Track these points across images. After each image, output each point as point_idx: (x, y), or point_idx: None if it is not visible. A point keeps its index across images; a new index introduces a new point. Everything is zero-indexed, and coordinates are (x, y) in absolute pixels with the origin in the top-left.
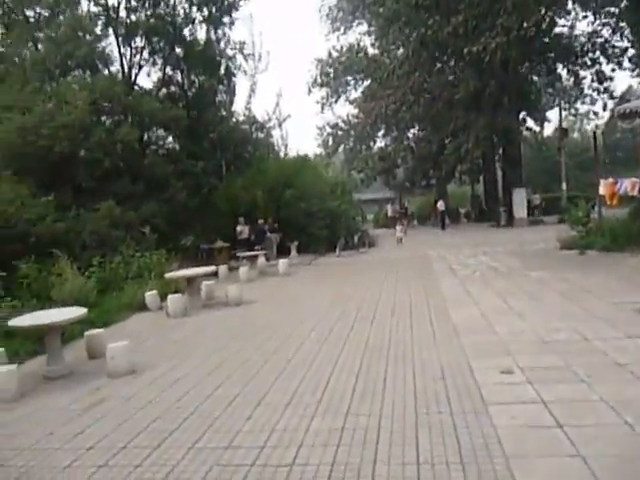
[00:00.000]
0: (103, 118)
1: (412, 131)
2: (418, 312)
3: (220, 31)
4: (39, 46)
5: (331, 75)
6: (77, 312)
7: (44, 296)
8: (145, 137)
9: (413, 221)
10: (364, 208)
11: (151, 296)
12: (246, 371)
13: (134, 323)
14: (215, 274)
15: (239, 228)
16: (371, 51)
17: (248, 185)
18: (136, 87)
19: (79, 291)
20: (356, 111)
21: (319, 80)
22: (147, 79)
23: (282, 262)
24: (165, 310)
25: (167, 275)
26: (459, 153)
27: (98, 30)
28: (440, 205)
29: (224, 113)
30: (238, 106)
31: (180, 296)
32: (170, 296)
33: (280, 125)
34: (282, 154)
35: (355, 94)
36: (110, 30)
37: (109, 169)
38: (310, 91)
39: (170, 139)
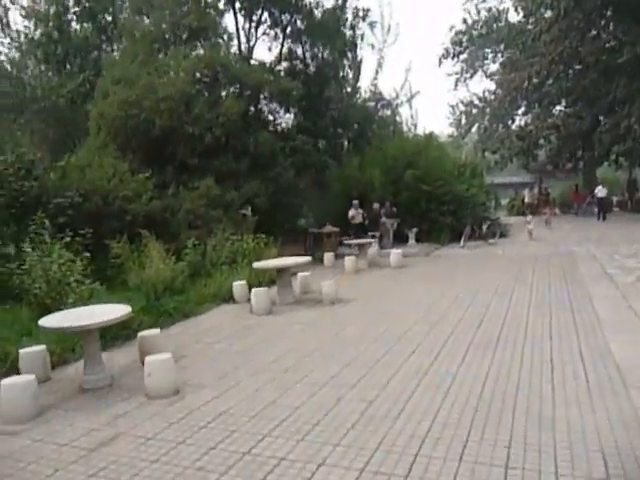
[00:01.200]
0: (206, 91)
1: (558, 108)
2: (560, 341)
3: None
4: (150, 17)
5: (467, 46)
6: (118, 312)
7: (133, 279)
8: (253, 111)
9: (555, 209)
10: (498, 193)
11: (239, 287)
12: (307, 422)
13: (210, 319)
14: (319, 261)
15: (352, 212)
16: (513, 17)
17: (365, 165)
18: (253, 62)
19: (162, 276)
20: (493, 87)
21: (453, 51)
22: (267, 54)
23: (394, 252)
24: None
25: (255, 265)
26: (618, 130)
27: (221, 4)
28: (599, 191)
29: (348, 89)
30: (364, 83)
31: (265, 290)
32: (254, 290)
33: (409, 102)
34: (410, 134)
35: (493, 67)
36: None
37: (211, 145)
38: (441, 62)
39: (283, 114)
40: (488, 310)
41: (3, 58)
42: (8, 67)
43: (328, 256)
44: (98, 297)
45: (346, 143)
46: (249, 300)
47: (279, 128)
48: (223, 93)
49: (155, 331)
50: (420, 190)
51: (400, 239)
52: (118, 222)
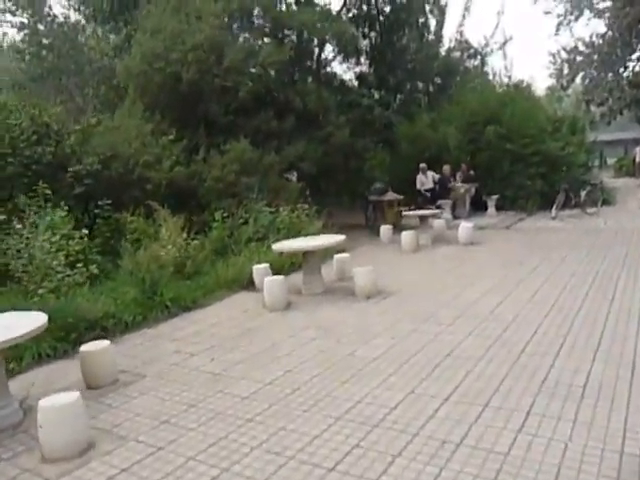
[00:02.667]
0: (242, 36)
1: None
2: None
3: None
4: None
5: None
6: (20, 329)
7: (126, 263)
8: (300, 61)
9: None
10: (604, 151)
11: (261, 271)
12: None
13: (213, 314)
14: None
15: (420, 177)
16: None
17: (439, 122)
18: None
19: (165, 258)
20: (602, 29)
21: None
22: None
23: (464, 226)
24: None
25: (274, 247)
26: None
27: None
28: None
29: (430, 37)
30: (448, 30)
31: (280, 280)
32: (267, 280)
33: (502, 51)
34: (500, 86)
35: (604, 4)
36: None
37: (247, 101)
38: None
39: (342, 65)
40: (577, 317)
41: (62, 19)
42: (66, 29)
43: (385, 230)
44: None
45: (424, 98)
46: None
47: (335, 81)
48: (262, 40)
49: (103, 343)
50: (503, 149)
51: (478, 207)
52: (140, 192)
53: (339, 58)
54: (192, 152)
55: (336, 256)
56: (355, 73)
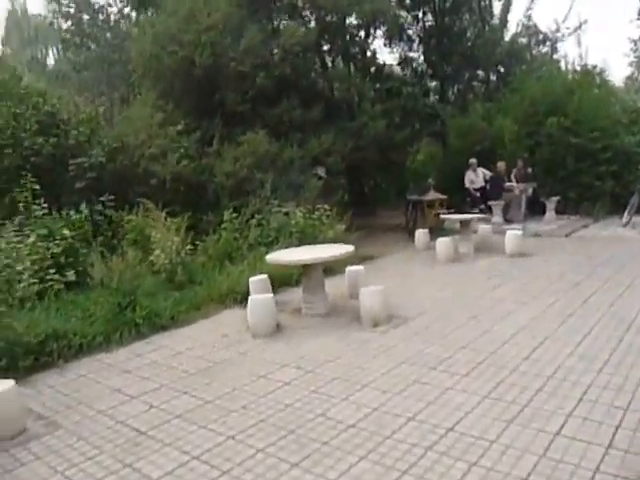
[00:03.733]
0: (262, 15)
1: None
2: None
3: None
4: None
5: None
6: None
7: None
8: (330, 43)
9: None
10: None
11: (259, 283)
12: None
13: (188, 338)
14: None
15: (469, 174)
16: None
17: (494, 113)
18: None
19: (148, 266)
20: None
21: None
22: None
23: (511, 233)
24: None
25: (268, 258)
26: None
27: None
28: None
29: (495, 21)
30: (515, 15)
31: (267, 300)
32: (251, 299)
33: (575, 36)
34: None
35: None
36: None
37: (267, 87)
38: None
39: (384, 50)
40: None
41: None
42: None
43: (420, 235)
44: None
45: (482, 88)
46: (275, 303)
47: (373, 66)
48: (285, 20)
49: (5, 384)
50: (567, 144)
51: (536, 210)
52: (146, 187)
53: (380, 42)
54: (206, 145)
55: (348, 269)
56: (400, 57)
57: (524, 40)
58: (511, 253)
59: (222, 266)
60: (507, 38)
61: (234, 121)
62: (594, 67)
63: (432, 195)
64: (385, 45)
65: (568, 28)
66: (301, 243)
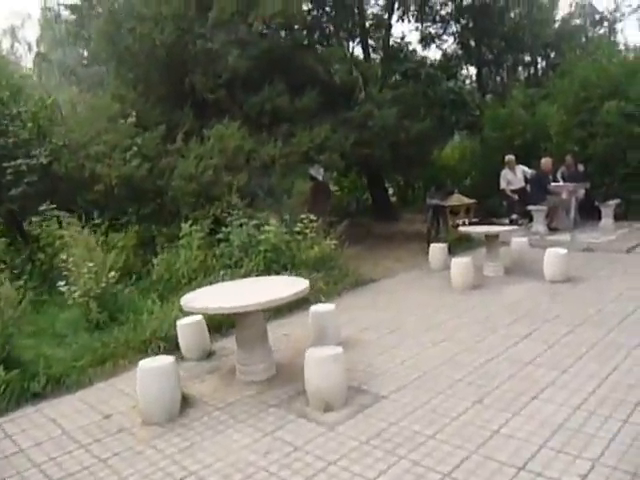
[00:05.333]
0: None
1: None
2: None
3: None
4: None
5: None
6: None
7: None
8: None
9: None
10: None
11: (188, 328)
12: None
13: (48, 422)
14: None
15: (506, 172)
16: None
17: (536, 100)
18: None
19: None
20: None
21: None
22: None
23: (552, 253)
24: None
25: (184, 303)
26: None
27: None
28: None
29: (544, 0)
30: None
31: (166, 367)
32: (142, 365)
33: (636, 15)
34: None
35: None
36: None
37: (243, 70)
38: None
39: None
40: None
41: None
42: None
43: (435, 251)
44: None
45: (525, 72)
46: (209, 355)
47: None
48: None
49: None
50: (630, 134)
51: (589, 216)
52: (95, 194)
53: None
54: (167, 139)
55: (313, 309)
56: (422, 34)
57: (578, 21)
58: (552, 278)
59: (165, 297)
60: (558, 19)
61: (208, 112)
62: None
63: (456, 199)
64: (402, 20)
65: (629, 6)
66: (273, 265)
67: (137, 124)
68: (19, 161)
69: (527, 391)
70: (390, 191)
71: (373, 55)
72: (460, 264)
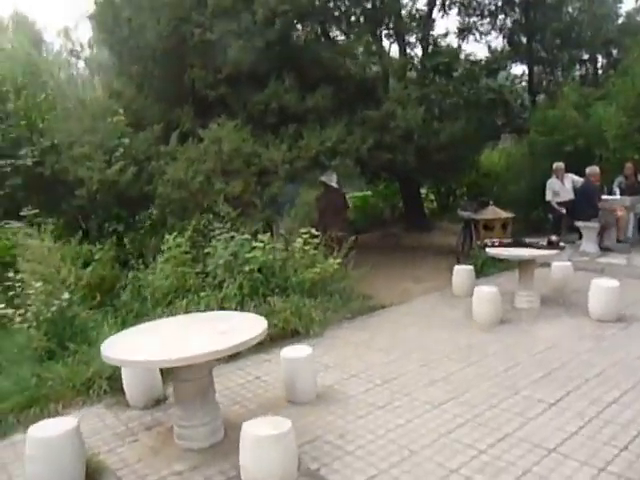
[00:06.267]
0: None
1: None
2: None
3: None
4: None
5: None
6: None
7: None
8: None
9: None
10: None
11: (131, 372)
12: None
13: None
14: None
15: (553, 182)
16: None
17: (592, 101)
18: None
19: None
20: None
21: None
22: None
23: (597, 285)
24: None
25: (104, 351)
26: None
27: None
28: None
29: None
30: None
31: (68, 434)
32: (33, 431)
33: None
34: None
35: None
36: None
37: (246, 63)
38: None
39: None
40: None
41: None
42: None
43: (460, 274)
44: None
45: (582, 70)
46: (156, 404)
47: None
48: None
49: None
50: None
51: None
52: (79, 198)
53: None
54: (161, 140)
55: (284, 353)
56: (461, 24)
57: None
58: (599, 316)
59: (128, 323)
60: (623, 13)
61: (210, 111)
62: None
63: (491, 212)
64: (446, 13)
65: None
66: (260, 287)
67: (133, 123)
68: (3, 162)
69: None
70: (432, 197)
71: (411, 52)
72: (484, 294)
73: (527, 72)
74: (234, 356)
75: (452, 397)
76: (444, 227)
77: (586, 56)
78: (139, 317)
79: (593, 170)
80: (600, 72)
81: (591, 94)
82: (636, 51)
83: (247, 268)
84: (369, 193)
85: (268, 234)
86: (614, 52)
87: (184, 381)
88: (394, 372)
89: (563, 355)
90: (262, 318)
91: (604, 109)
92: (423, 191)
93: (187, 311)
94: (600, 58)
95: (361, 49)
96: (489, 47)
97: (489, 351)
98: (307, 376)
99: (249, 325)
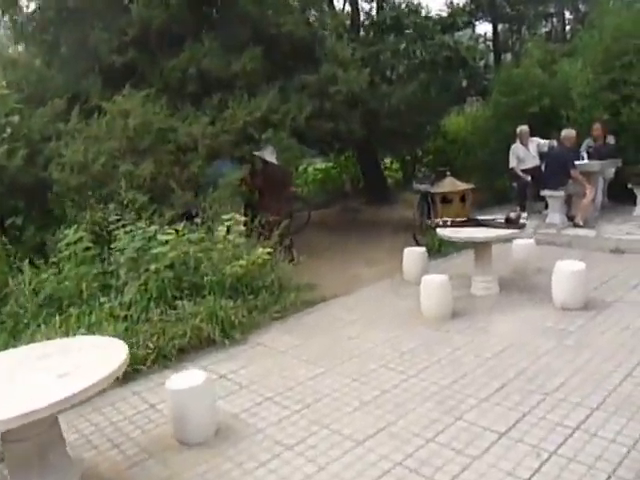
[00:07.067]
0: None
1: None
2: None
3: None
4: None
5: None
6: None
7: None
8: None
9: None
10: None
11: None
12: None
13: None
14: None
15: (517, 147)
16: None
17: (558, 58)
18: None
19: None
20: None
21: None
22: None
23: (562, 270)
24: None
25: None
26: None
27: None
28: None
29: None
30: None
31: None
32: None
33: None
34: None
35: None
36: None
37: (156, 23)
38: None
39: None
40: None
41: None
42: None
43: (411, 257)
44: None
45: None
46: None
47: None
48: None
49: None
50: None
51: (619, 200)
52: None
53: None
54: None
55: (169, 384)
56: None
57: None
58: (563, 304)
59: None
60: None
61: (123, 81)
62: None
63: (448, 184)
64: None
65: None
66: (168, 288)
67: (34, 97)
68: None
69: None
70: (397, 167)
71: (364, 9)
72: (432, 284)
73: (492, 31)
74: (131, 376)
75: (382, 427)
76: (407, 199)
77: (553, 11)
78: (18, 333)
79: (569, 133)
80: (568, 28)
81: (557, 50)
82: (604, 3)
83: (153, 267)
84: (330, 165)
85: (183, 223)
86: (581, 6)
87: (15, 441)
88: (318, 392)
89: (521, 359)
90: (121, 343)
91: (570, 65)
92: (388, 161)
93: (66, 329)
94: (567, 13)
95: (296, 2)
96: (451, 3)
97: (434, 357)
98: (201, 411)
99: (101, 358)
